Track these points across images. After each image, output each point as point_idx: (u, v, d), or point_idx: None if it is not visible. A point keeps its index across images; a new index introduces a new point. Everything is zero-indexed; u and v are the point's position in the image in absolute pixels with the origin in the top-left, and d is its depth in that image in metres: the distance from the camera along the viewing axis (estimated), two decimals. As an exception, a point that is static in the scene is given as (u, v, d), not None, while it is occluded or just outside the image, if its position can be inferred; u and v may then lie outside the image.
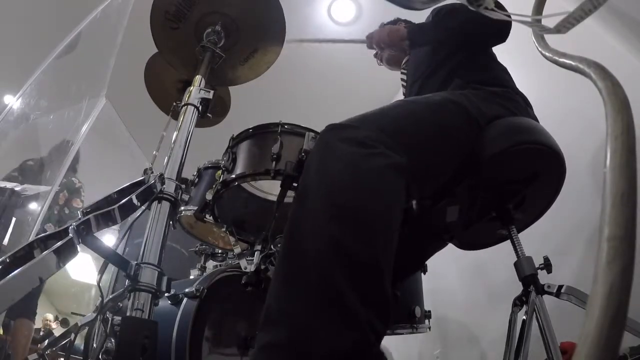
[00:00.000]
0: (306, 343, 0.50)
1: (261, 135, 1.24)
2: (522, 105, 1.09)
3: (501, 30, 1.16)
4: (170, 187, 0.89)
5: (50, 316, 4.22)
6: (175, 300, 1.20)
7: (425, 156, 0.82)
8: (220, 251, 1.81)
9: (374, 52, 1.57)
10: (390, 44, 1.23)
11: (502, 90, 1.09)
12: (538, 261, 1.04)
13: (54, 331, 3.88)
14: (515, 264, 1.03)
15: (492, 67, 1.24)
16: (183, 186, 0.94)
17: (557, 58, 0.40)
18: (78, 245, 0.67)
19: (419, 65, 1.32)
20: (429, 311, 1.49)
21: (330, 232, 0.57)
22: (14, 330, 2.35)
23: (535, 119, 1.10)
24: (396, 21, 1.57)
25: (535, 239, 1.24)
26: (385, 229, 0.62)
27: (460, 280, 2.24)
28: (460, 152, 0.92)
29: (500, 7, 0.87)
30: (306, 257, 0.57)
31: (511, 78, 1.22)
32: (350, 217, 0.60)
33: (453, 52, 1.23)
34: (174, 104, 1.22)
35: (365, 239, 0.59)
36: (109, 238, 2.32)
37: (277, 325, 0.53)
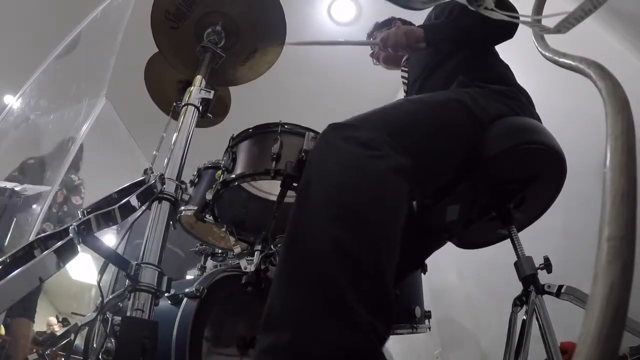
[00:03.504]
0: (308, 345, 0.49)
1: (261, 135, 1.24)
2: (525, 104, 1.09)
3: (511, 24, 1.13)
4: (170, 187, 0.89)
5: (53, 320, 4.22)
6: (175, 300, 1.20)
7: (428, 156, 0.81)
8: (220, 251, 1.81)
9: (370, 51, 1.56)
10: (407, 46, 1.21)
11: (506, 88, 1.08)
12: (538, 261, 1.04)
13: (55, 332, 3.87)
14: (515, 264, 1.03)
15: (496, 64, 1.23)
16: (183, 186, 0.94)
17: (557, 58, 0.40)
18: (78, 245, 0.67)
19: (419, 62, 1.31)
20: (429, 311, 1.49)
21: (333, 233, 0.56)
22: (13, 331, 2.35)
23: (538, 117, 1.10)
24: (391, 20, 1.55)
25: (536, 238, 1.24)
26: (388, 232, 0.61)
27: (460, 280, 2.24)
28: (462, 151, 0.91)
29: (509, 7, 0.86)
30: (308, 258, 0.56)
31: (514, 75, 1.21)
32: (353, 219, 0.59)
33: (455, 49, 1.22)
34: (174, 104, 1.23)
35: (368, 242, 0.58)
36: (109, 238, 2.32)
37: (279, 327, 0.52)
